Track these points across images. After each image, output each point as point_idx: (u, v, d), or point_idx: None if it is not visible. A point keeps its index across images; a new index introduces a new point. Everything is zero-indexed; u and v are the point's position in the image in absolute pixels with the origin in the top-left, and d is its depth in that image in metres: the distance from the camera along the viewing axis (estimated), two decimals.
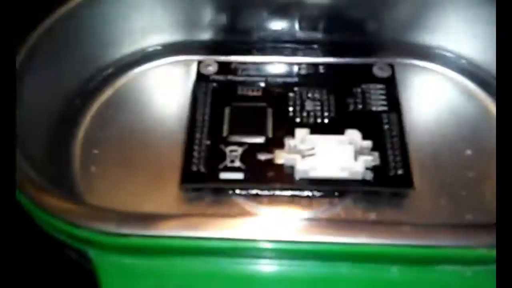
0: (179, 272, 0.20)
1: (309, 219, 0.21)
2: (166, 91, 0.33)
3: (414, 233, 0.20)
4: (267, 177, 0.28)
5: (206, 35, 0.34)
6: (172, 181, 0.28)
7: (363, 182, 0.27)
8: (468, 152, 0.29)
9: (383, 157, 0.28)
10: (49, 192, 0.22)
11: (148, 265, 0.20)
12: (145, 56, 0.33)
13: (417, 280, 0.20)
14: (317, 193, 0.28)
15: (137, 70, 0.33)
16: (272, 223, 0.20)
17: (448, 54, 0.33)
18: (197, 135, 0.29)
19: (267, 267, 0.21)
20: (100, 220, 0.20)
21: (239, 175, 0.28)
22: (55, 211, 0.21)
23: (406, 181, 0.27)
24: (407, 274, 0.20)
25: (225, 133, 0.29)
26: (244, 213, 0.27)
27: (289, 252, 0.20)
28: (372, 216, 0.27)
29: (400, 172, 0.27)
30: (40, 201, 0.21)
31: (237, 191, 0.28)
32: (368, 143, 0.28)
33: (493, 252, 0.19)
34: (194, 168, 0.28)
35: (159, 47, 0.34)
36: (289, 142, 0.28)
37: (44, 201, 0.21)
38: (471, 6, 0.31)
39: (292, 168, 0.28)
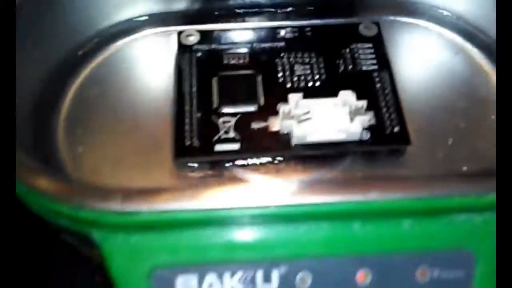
0: (189, 245, 0.20)
1: (317, 180, 0.21)
2: (148, 63, 0.31)
3: (423, 185, 0.20)
4: (263, 146, 0.27)
5: (184, 5, 0.32)
6: (165, 156, 0.27)
7: (360, 142, 0.27)
8: (459, 104, 0.29)
9: (378, 116, 0.28)
10: (48, 176, 0.20)
11: (155, 241, 0.20)
12: (123, 30, 0.32)
13: (428, 231, 0.20)
14: (315, 157, 0.27)
15: (117, 44, 0.31)
16: (284, 187, 0.20)
17: (432, 9, 0.32)
18: (187, 108, 0.28)
19: (278, 231, 0.20)
20: (105, 200, 0.19)
21: (235, 146, 0.27)
22: (56, 195, 0.19)
23: (403, 138, 0.27)
24: (418, 227, 0.20)
25: (215, 104, 0.28)
26: (241, 187, 0.26)
27: (301, 215, 0.20)
28: (373, 174, 0.27)
29: (396, 129, 0.27)
30: (40, 187, 0.20)
31: (234, 162, 0.27)
32: (362, 103, 0.27)
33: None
34: (187, 142, 0.27)
35: (137, 20, 0.32)
36: (283, 108, 0.27)
37: (44, 187, 0.20)
38: None
39: (288, 134, 0.27)
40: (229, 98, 0.28)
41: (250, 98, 0.28)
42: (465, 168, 0.27)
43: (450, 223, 0.20)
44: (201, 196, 0.19)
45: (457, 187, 0.20)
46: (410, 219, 0.20)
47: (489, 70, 0.31)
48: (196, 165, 0.27)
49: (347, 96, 0.28)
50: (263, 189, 0.20)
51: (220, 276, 0.20)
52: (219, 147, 0.27)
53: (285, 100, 0.28)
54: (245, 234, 0.20)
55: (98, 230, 0.20)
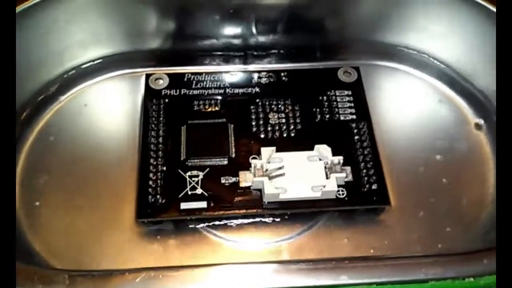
0: None
1: (282, 263, 0.19)
2: (113, 109, 0.29)
3: (397, 268, 0.19)
4: (232, 203, 0.25)
5: (153, 44, 0.30)
6: (128, 213, 0.25)
7: (336, 200, 0.25)
8: (438, 157, 0.28)
9: (356, 171, 0.26)
10: None
11: None
12: (87, 72, 0.30)
13: None
14: (288, 217, 0.26)
15: (79, 87, 0.30)
16: (248, 271, 0.18)
17: (415, 54, 0.31)
18: (152, 161, 0.26)
19: None
20: (47, 284, 0.17)
21: (202, 204, 0.25)
22: None
23: (382, 197, 0.25)
24: None
25: (182, 157, 0.26)
26: (210, 249, 0.25)
27: None
28: (348, 235, 0.25)
29: (374, 187, 0.26)
30: None
31: (201, 222, 0.25)
32: (339, 159, 0.26)
33: (479, 281, 0.18)
34: (151, 200, 0.25)
35: (101, 61, 0.30)
36: (255, 162, 0.26)
37: None
38: (435, 3, 0.29)
39: (259, 190, 0.25)
40: (198, 150, 0.26)
41: (221, 150, 0.26)
42: (448, 229, 0.26)
43: None
44: (156, 279, 0.18)
45: (432, 270, 0.18)
46: None
47: (472, 119, 0.29)
48: (159, 223, 0.25)
49: (322, 150, 0.26)
50: (224, 274, 0.18)
51: None
52: (185, 205, 0.25)
53: (257, 152, 0.26)
54: None
55: None
